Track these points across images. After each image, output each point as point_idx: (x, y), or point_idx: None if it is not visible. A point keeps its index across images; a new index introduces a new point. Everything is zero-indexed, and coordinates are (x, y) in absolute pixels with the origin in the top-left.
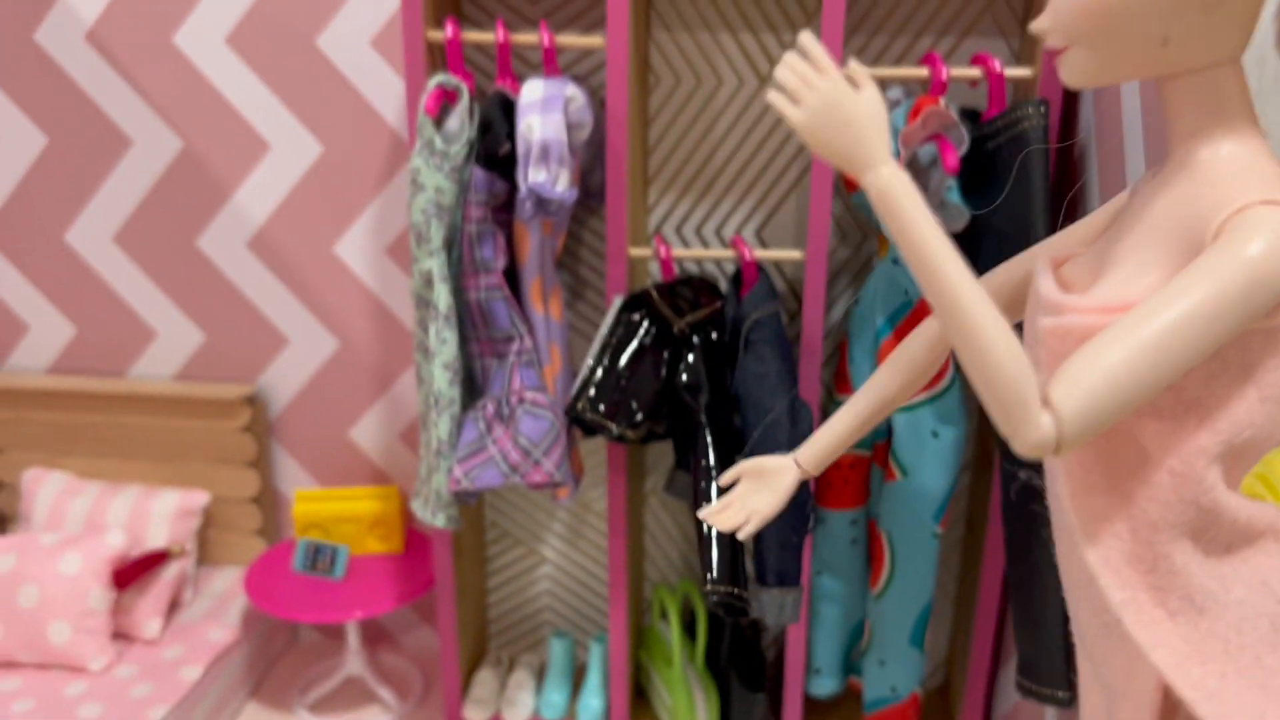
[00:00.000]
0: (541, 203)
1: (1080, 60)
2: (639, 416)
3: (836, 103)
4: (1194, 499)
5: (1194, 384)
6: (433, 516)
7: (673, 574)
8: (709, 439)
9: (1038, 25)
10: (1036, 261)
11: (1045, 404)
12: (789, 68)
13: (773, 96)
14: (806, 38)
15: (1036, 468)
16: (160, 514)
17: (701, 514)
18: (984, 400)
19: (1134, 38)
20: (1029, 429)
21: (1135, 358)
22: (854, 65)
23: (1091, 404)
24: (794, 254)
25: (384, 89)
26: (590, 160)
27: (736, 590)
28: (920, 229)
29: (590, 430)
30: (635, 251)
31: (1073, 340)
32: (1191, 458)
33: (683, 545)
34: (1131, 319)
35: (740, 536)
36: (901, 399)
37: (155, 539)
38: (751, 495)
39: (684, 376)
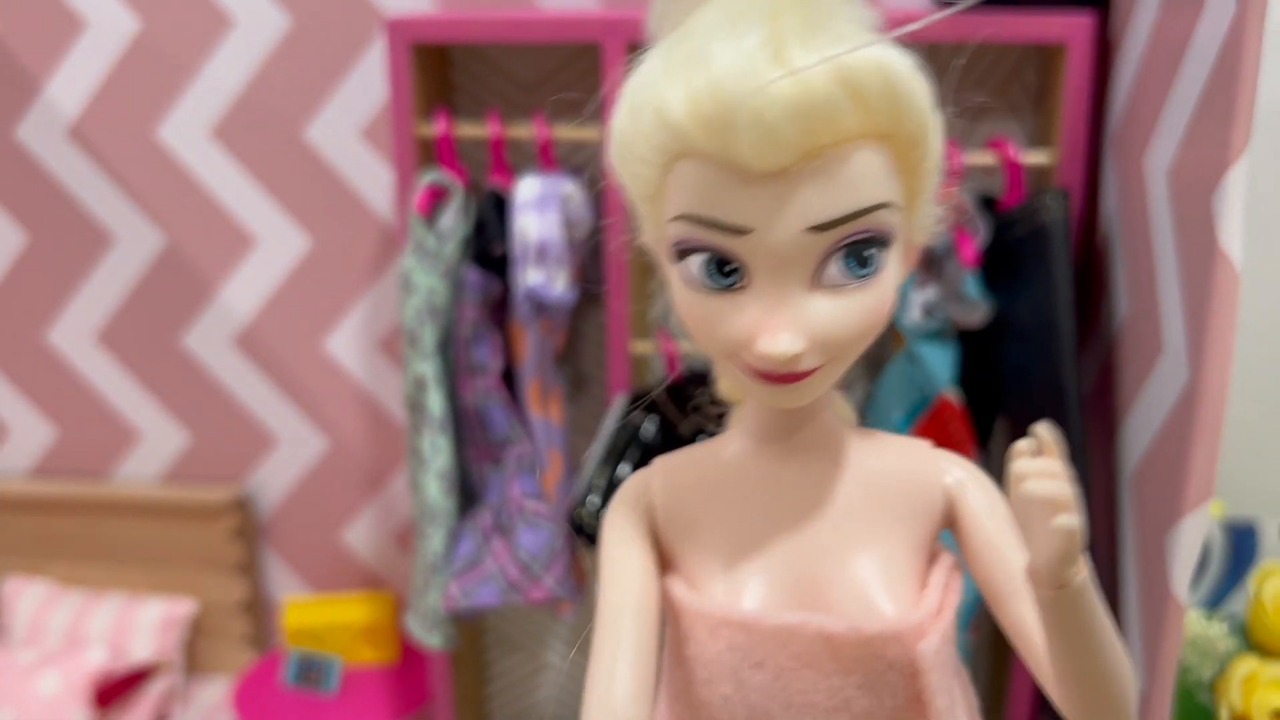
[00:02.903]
0: (539, 304)
1: (828, 376)
2: None
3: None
4: None
5: None
6: (428, 635)
7: None
8: None
9: (786, 348)
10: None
11: None
12: (1045, 473)
13: (1065, 522)
14: (1045, 430)
15: None
16: (145, 624)
17: None
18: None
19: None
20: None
21: None
22: (1044, 430)
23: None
24: None
25: (375, 181)
26: (590, 255)
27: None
28: (1105, 620)
29: (593, 540)
30: (637, 347)
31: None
32: None
33: None
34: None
35: None
36: None
37: (140, 650)
38: None
39: None
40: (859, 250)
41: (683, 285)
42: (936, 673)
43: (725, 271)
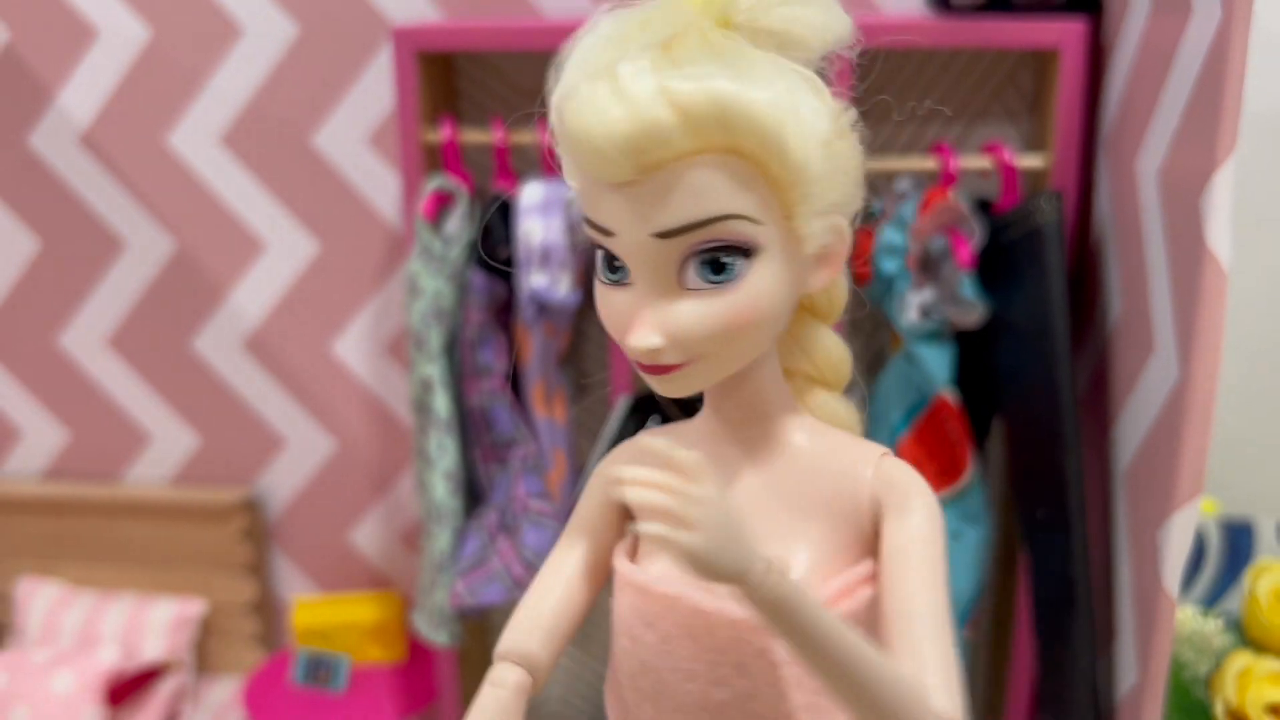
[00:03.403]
0: (543, 306)
1: (702, 372)
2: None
3: (722, 509)
4: None
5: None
6: (435, 632)
7: None
8: None
9: (644, 342)
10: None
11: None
12: (656, 486)
13: (650, 529)
14: (663, 446)
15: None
16: (156, 624)
17: None
18: None
19: (760, 343)
20: None
21: (946, 627)
22: (688, 457)
23: (954, 674)
24: None
25: (382, 187)
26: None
27: None
28: (832, 624)
29: None
30: None
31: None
32: None
33: None
34: (925, 595)
35: None
36: None
37: (151, 650)
38: None
39: None
40: (714, 257)
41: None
42: (799, 669)
43: (613, 267)
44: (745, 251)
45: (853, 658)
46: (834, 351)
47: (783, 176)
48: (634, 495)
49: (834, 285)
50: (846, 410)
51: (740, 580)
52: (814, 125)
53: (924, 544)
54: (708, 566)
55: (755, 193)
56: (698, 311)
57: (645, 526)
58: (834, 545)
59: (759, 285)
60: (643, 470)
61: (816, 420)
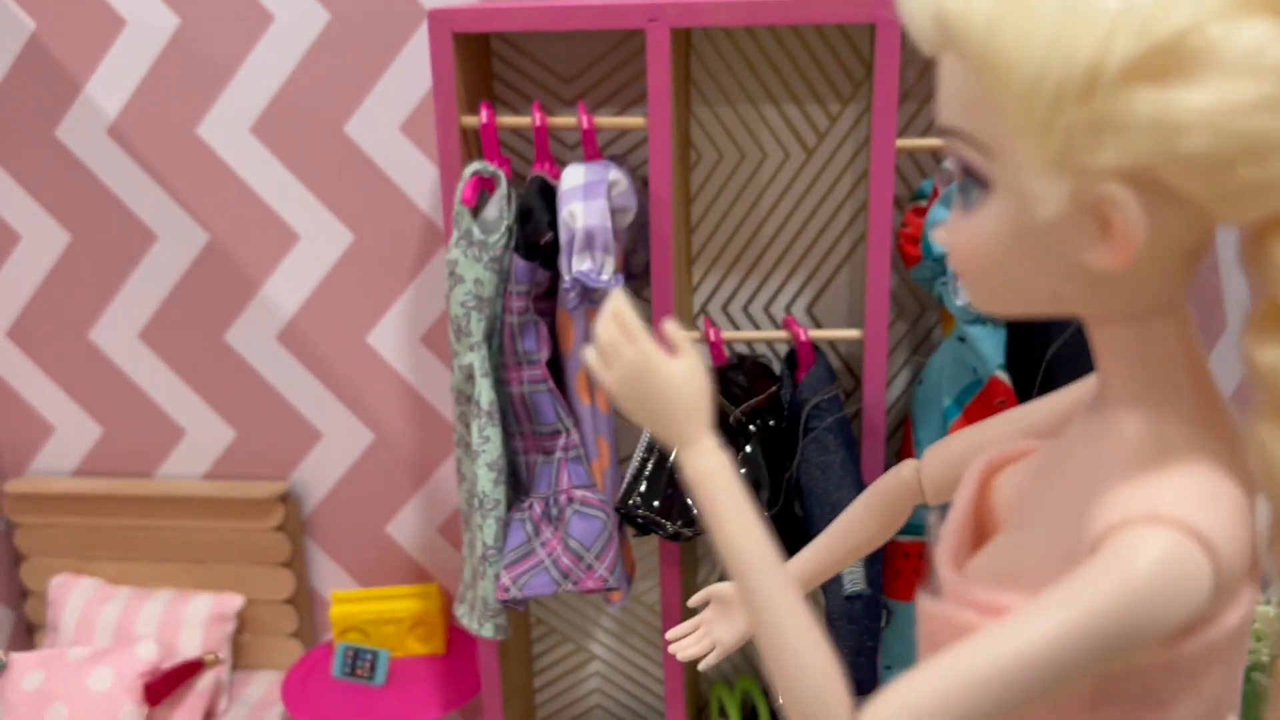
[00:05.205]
0: (586, 291)
1: (973, 291)
2: (695, 512)
3: (642, 371)
4: None
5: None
6: (479, 626)
7: (731, 671)
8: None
9: (941, 240)
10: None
11: None
12: (602, 327)
13: (589, 354)
14: (617, 299)
15: None
16: (193, 620)
17: (670, 638)
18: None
19: (1017, 289)
20: None
21: (973, 688)
22: (670, 328)
23: None
24: (852, 333)
25: (415, 174)
26: (633, 241)
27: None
28: (734, 525)
29: (644, 529)
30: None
31: (945, 634)
32: None
33: None
34: (979, 641)
35: (700, 667)
36: (880, 540)
37: (188, 646)
38: (717, 623)
39: (742, 471)
40: (966, 180)
41: None
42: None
43: None
44: (981, 183)
45: (757, 579)
46: None
47: (1004, 109)
48: (598, 327)
49: None
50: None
51: (675, 445)
52: (1060, 61)
53: (1055, 595)
54: (623, 405)
55: (980, 112)
56: (946, 230)
57: (588, 352)
58: (1051, 569)
59: (979, 228)
60: (618, 310)
61: (1176, 436)
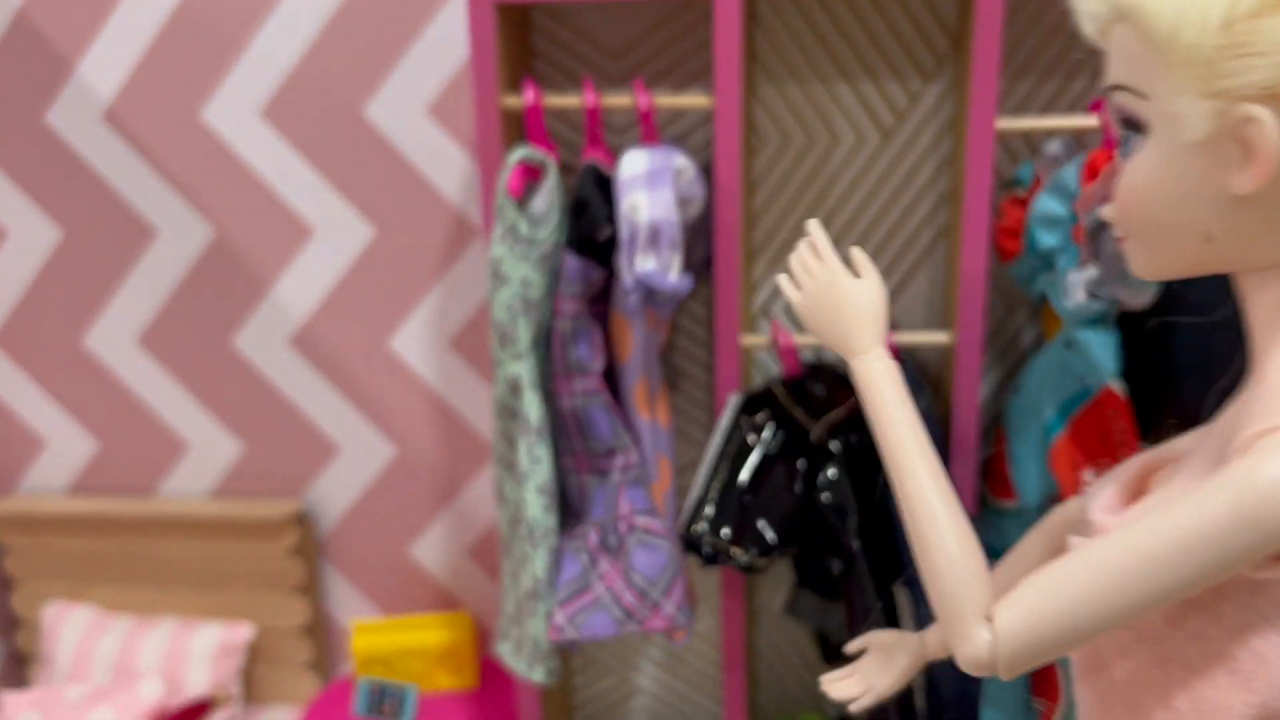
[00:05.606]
0: (650, 294)
1: (1135, 253)
2: (771, 540)
3: (831, 287)
4: None
5: (1222, 636)
6: (529, 669)
7: (790, 704)
8: (865, 569)
9: (1108, 214)
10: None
11: (989, 620)
12: (796, 254)
13: (781, 279)
14: (813, 226)
15: None
16: (200, 652)
17: (824, 681)
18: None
19: (1173, 233)
20: (963, 643)
21: (1094, 584)
22: (856, 253)
23: (1034, 628)
24: (939, 337)
25: (443, 163)
26: (691, 235)
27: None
28: (898, 423)
29: (711, 558)
30: (747, 340)
31: None
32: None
33: (801, 671)
34: (1103, 542)
35: (852, 709)
36: None
37: (195, 682)
38: (874, 670)
39: (826, 496)
40: (1126, 132)
41: None
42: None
43: None
44: (1137, 126)
45: (913, 474)
46: None
47: (1155, 46)
48: (795, 255)
49: None
50: None
51: (849, 355)
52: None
53: (1190, 494)
54: (812, 326)
55: (1139, 64)
56: (1116, 187)
57: (780, 277)
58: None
59: (1141, 166)
60: (815, 237)
61: None
